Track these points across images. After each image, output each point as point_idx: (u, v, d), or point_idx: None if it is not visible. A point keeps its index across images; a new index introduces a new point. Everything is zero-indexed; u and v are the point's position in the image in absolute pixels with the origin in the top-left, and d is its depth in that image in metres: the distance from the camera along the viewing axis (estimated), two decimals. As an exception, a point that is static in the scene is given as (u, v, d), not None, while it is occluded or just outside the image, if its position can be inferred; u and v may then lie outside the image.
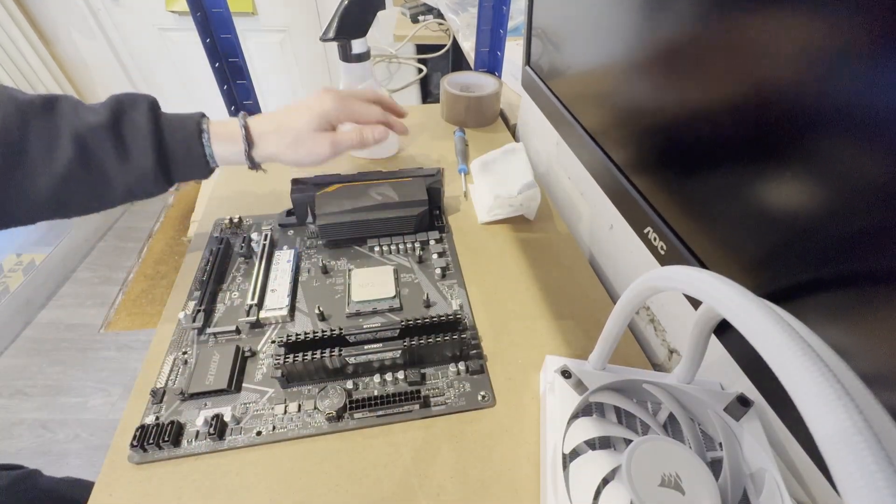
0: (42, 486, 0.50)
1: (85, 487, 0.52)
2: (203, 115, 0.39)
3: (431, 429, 0.31)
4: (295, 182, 0.45)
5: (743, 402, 0.27)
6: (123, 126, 0.35)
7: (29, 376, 1.22)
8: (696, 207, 0.21)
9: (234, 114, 0.65)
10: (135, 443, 0.29)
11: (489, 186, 0.50)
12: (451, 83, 0.65)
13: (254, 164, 0.39)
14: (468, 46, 0.86)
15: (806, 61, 0.14)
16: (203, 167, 0.38)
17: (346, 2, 0.46)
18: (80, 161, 0.33)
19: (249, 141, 0.38)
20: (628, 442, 0.25)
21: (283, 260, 0.42)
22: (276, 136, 0.38)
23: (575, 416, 0.28)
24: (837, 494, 0.11)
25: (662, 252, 0.23)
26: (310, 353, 0.32)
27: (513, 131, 0.69)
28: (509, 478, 0.29)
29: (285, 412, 0.32)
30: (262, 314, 0.37)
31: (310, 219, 0.46)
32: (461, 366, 0.34)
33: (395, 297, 0.39)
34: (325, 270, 0.42)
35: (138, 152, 0.35)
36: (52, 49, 1.52)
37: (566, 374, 0.29)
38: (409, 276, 0.42)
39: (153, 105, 0.37)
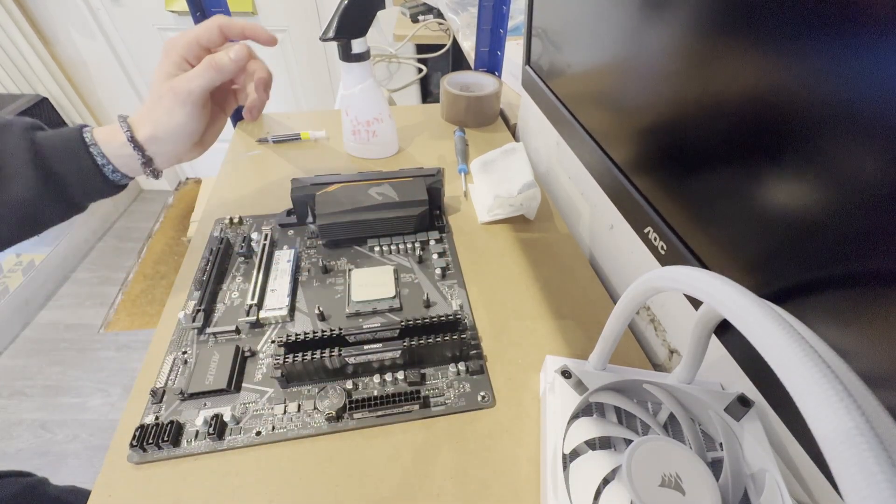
0: (50, 495, 0.51)
1: (85, 496, 0.53)
2: (84, 126, 0.35)
3: (431, 429, 0.31)
4: (295, 182, 0.45)
5: (743, 403, 0.27)
6: None
7: (28, 376, 1.22)
8: (696, 207, 0.21)
9: (232, 115, 0.64)
10: (134, 443, 0.29)
11: (489, 186, 0.50)
12: (451, 83, 0.65)
13: (149, 165, 0.36)
14: (468, 46, 0.86)
15: (805, 60, 0.14)
16: (101, 182, 0.35)
17: (345, 2, 0.46)
18: None
19: (135, 140, 0.34)
20: (628, 442, 0.25)
21: (283, 260, 0.42)
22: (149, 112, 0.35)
23: (575, 417, 0.28)
24: (839, 495, 0.11)
25: (663, 252, 0.23)
26: (309, 353, 0.31)
27: (513, 131, 0.69)
28: (509, 478, 0.29)
29: (285, 412, 0.32)
30: (262, 314, 0.37)
31: (310, 218, 0.46)
32: (461, 366, 0.34)
33: (395, 297, 0.39)
34: (325, 270, 0.42)
35: (18, 180, 0.32)
36: (52, 49, 1.52)
37: (566, 374, 0.29)
38: (409, 276, 0.42)
39: (29, 128, 0.33)
